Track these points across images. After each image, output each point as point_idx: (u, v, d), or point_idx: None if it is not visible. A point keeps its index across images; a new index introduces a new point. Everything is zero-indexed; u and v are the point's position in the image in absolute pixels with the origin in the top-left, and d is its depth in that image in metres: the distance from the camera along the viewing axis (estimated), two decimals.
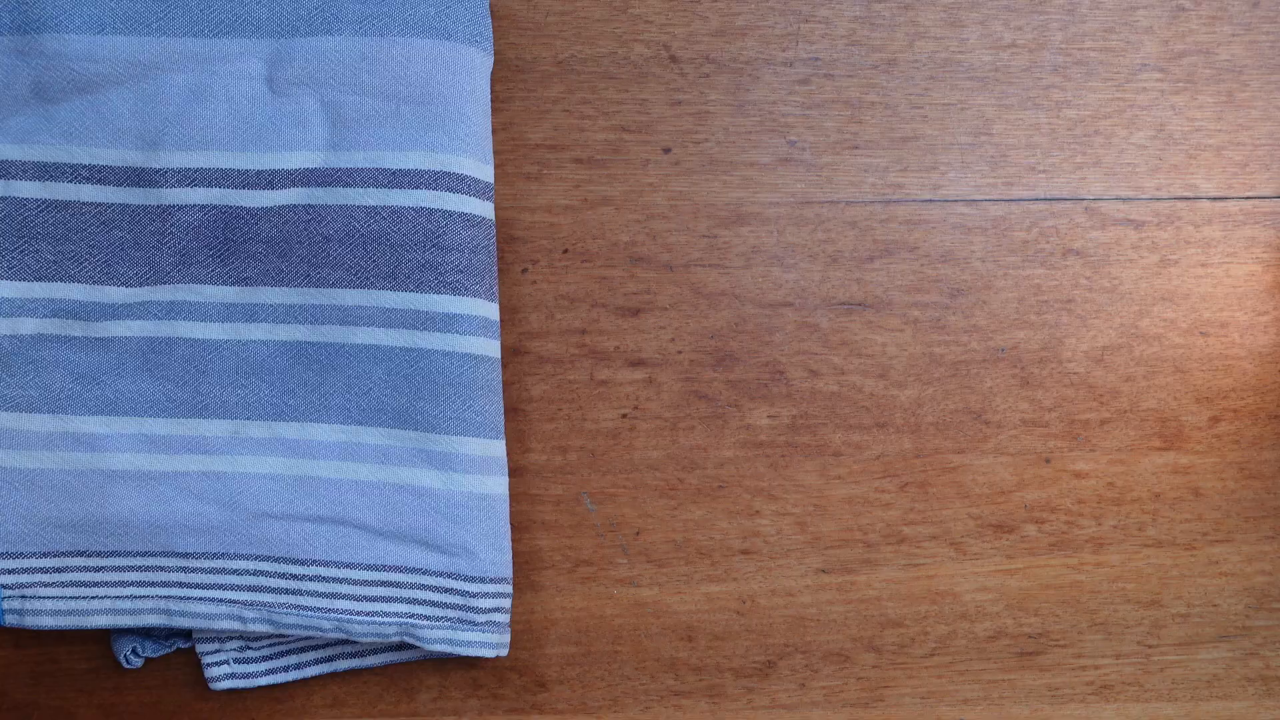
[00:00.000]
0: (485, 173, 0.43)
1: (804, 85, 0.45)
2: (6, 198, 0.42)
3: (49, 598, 0.42)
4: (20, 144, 0.42)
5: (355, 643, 0.43)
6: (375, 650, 0.43)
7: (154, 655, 0.43)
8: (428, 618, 0.42)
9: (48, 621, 0.42)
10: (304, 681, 0.44)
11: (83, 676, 0.44)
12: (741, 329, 0.45)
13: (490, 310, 0.42)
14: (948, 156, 0.45)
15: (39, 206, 0.42)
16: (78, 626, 0.42)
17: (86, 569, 0.42)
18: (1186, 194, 0.45)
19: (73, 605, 0.42)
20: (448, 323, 0.42)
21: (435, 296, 0.42)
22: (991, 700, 0.45)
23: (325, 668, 0.43)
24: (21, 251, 0.42)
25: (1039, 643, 0.45)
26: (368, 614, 0.42)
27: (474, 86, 0.42)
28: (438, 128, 0.42)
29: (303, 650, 0.43)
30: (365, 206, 0.42)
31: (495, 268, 0.43)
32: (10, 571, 0.42)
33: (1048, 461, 0.45)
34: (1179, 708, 0.45)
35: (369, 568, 0.42)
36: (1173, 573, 0.45)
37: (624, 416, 0.45)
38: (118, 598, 0.42)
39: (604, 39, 0.45)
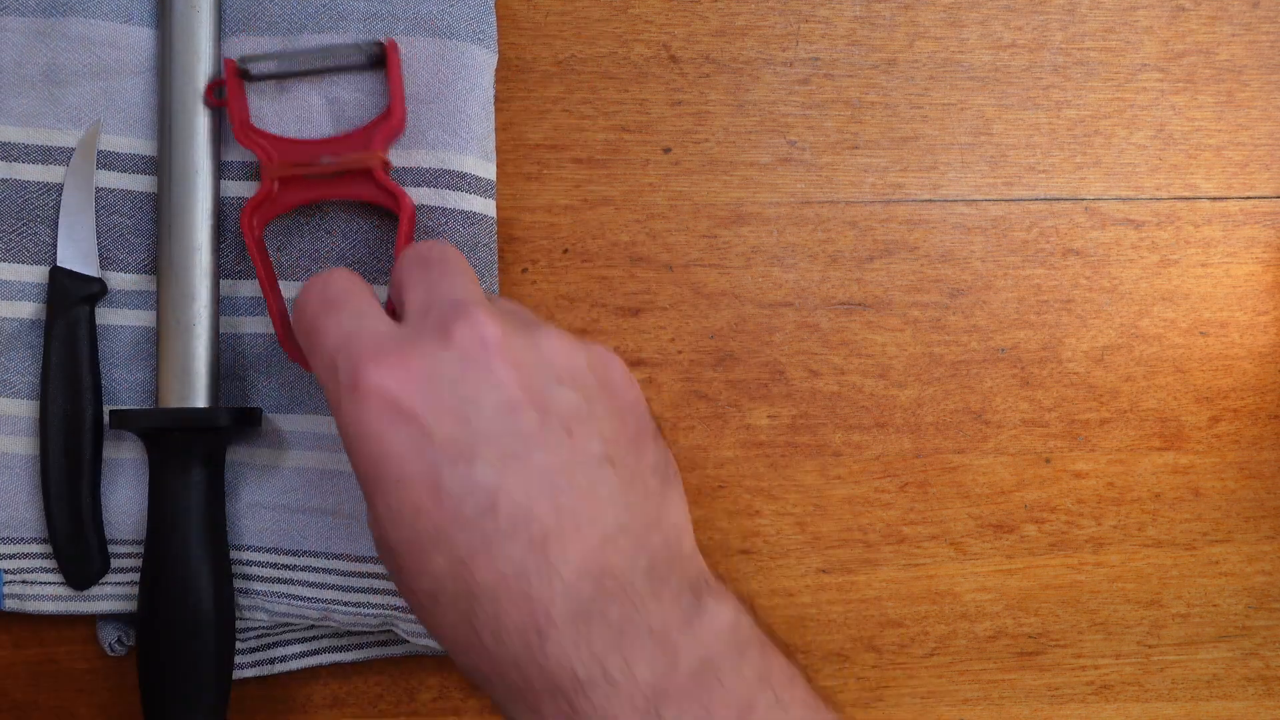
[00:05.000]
0: (487, 170, 0.43)
1: (804, 85, 0.45)
2: (7, 179, 0.42)
3: (50, 583, 0.42)
4: (24, 126, 0.42)
5: (339, 637, 0.43)
6: (359, 645, 0.43)
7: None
8: (407, 609, 0.42)
9: (49, 607, 0.42)
10: (304, 681, 0.44)
11: (83, 676, 0.44)
12: (741, 329, 0.45)
13: None
14: (948, 156, 0.45)
15: (39, 189, 0.42)
16: (79, 612, 0.42)
17: None
18: (1186, 194, 0.45)
19: (74, 590, 0.42)
20: None
21: None
22: (991, 700, 0.45)
23: (309, 661, 0.43)
24: (20, 234, 0.42)
25: (1039, 643, 0.45)
26: (353, 604, 0.42)
27: (477, 84, 0.42)
28: (439, 125, 0.42)
29: (287, 644, 0.43)
30: (365, 202, 0.42)
31: (496, 266, 0.43)
32: (11, 556, 0.42)
33: (1048, 461, 0.45)
34: (1179, 708, 0.45)
35: (355, 559, 0.42)
36: (1173, 573, 0.45)
37: None
38: (117, 584, 0.42)
39: (604, 39, 0.45)
